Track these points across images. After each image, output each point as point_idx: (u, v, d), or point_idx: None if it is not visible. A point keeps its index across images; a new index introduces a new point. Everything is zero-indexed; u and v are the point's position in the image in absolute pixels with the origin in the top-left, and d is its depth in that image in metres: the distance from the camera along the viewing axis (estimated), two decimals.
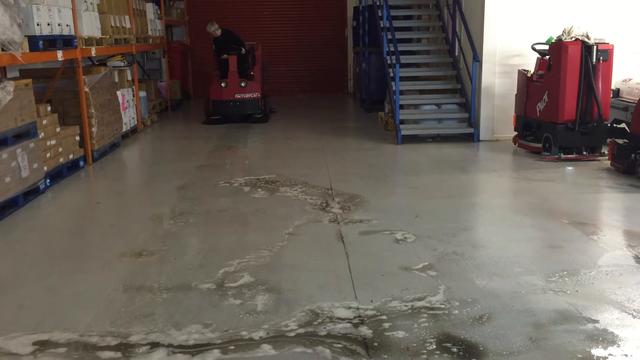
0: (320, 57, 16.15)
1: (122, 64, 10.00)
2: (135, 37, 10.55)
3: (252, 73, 11.27)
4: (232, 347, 3.21)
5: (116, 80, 9.24)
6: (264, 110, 11.47)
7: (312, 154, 8.42)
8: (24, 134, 6.06)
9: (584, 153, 7.60)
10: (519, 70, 8.44)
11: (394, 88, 9.26)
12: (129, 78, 10.13)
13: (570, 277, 4.03)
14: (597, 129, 7.48)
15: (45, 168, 6.50)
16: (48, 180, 6.59)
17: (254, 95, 11.08)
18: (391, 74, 9.61)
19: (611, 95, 7.79)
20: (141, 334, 3.38)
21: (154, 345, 3.26)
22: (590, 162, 7.47)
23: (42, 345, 3.27)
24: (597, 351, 3.10)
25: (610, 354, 3.08)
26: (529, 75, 8.18)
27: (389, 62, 9.87)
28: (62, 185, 6.87)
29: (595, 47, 7.34)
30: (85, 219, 5.91)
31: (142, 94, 10.92)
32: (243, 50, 11.16)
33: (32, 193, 6.19)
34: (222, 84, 10.94)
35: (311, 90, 16.14)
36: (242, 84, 10.96)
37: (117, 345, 3.27)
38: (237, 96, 11.00)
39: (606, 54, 7.39)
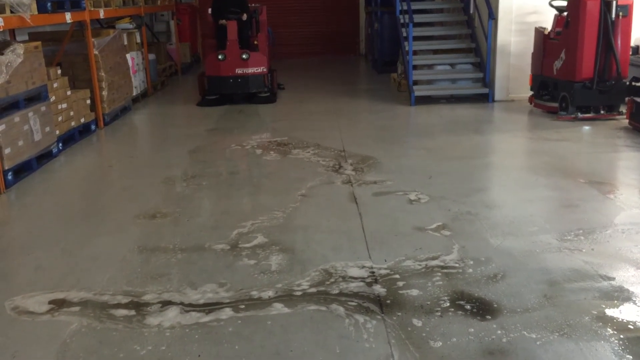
0: (331, 18, 15.90)
1: (131, 26, 9.91)
2: None
3: (255, 42, 9.55)
4: (244, 306, 3.22)
5: (125, 43, 9.15)
6: (271, 87, 9.75)
7: (324, 116, 8.35)
8: (35, 97, 6.05)
9: (602, 112, 7.47)
10: (535, 28, 8.24)
11: (407, 48, 9.10)
12: (138, 41, 10.04)
13: (585, 235, 3.99)
14: (616, 87, 7.32)
15: (57, 132, 6.51)
16: (60, 144, 6.60)
17: (259, 70, 9.21)
18: (404, 34, 9.43)
19: (630, 53, 7.61)
20: (156, 293, 3.41)
21: (169, 303, 3.28)
22: (608, 121, 7.34)
23: (59, 305, 3.32)
24: (612, 308, 3.08)
25: (625, 310, 3.06)
26: (546, 32, 7.99)
27: (401, 21, 9.68)
28: (75, 149, 6.89)
29: (614, 2, 7.15)
30: (99, 182, 5.93)
31: (152, 57, 10.82)
32: (245, 16, 9.31)
33: (45, 157, 6.22)
34: (219, 57, 9.09)
35: (322, 52, 15.94)
36: (244, 56, 9.08)
37: (132, 303, 3.30)
38: (238, 71, 9.13)
39: (626, 9, 7.20)
